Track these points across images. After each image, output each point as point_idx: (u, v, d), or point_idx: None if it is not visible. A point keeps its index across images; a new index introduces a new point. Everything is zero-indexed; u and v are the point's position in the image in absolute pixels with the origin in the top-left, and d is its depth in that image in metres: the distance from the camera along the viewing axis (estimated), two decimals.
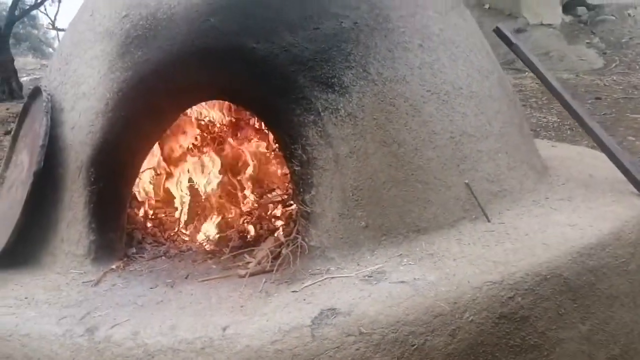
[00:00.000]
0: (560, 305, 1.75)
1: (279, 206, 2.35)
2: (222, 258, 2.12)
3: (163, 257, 2.20)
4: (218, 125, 2.57)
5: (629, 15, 11.08)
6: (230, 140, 2.55)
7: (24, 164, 2.25)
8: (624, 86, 8.04)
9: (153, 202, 2.57)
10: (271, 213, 2.34)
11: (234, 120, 2.54)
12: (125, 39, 2.14)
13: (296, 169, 1.98)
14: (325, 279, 1.81)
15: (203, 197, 2.51)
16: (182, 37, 2.04)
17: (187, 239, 2.39)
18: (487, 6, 11.34)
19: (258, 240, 2.22)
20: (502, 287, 1.68)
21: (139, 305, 1.80)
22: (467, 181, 2.09)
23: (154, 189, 2.58)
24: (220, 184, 2.49)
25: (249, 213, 2.40)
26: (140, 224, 2.42)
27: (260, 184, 2.52)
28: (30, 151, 2.22)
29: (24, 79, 12.19)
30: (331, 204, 1.95)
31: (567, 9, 11.32)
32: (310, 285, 1.79)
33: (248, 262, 2.05)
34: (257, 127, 2.50)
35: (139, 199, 2.51)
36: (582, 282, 1.79)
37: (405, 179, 2.00)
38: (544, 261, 1.75)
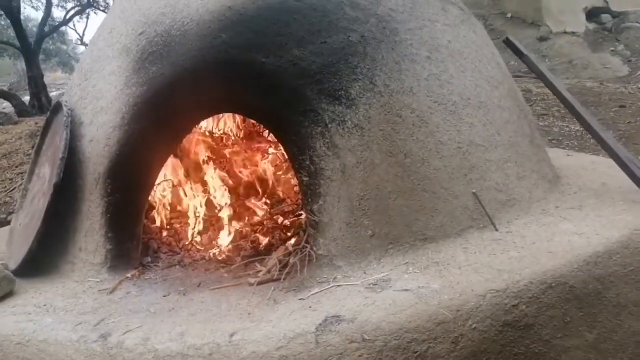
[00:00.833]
0: (565, 314, 1.75)
1: (290, 216, 2.40)
2: (233, 267, 2.17)
3: (177, 266, 2.27)
4: (232, 137, 2.63)
5: None
6: (242, 152, 2.61)
7: (46, 176, 2.34)
8: None
9: (168, 212, 2.64)
10: (282, 222, 2.39)
11: (246, 132, 2.60)
12: (141, 55, 2.22)
13: (304, 179, 2.03)
14: (331, 286, 1.85)
15: (217, 207, 2.56)
16: (195, 52, 2.11)
17: (201, 248, 2.45)
18: (509, 15, 11.29)
19: (269, 249, 2.27)
20: (506, 295, 1.69)
21: (151, 312, 1.87)
22: (474, 190, 2.11)
23: (169, 199, 2.65)
24: (233, 195, 2.54)
25: (261, 223, 2.45)
26: (156, 234, 2.49)
27: (271, 195, 2.57)
28: (52, 164, 2.31)
29: (53, 93, 12.52)
30: (338, 213, 1.99)
31: (590, 16, 11.18)
32: (317, 292, 1.83)
33: (258, 271, 2.09)
34: (269, 139, 2.56)
35: (155, 209, 2.58)
36: (589, 290, 1.79)
37: (411, 188, 2.03)
38: (549, 269, 1.76)
